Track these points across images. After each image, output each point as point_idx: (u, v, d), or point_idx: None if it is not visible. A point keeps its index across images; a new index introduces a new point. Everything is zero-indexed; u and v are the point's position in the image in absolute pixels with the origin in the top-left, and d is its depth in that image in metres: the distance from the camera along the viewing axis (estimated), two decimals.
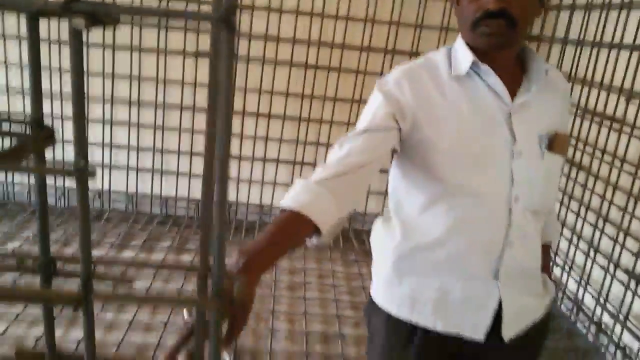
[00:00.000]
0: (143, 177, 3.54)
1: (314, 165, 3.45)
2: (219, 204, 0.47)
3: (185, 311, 0.71)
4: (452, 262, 1.02)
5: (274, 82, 3.35)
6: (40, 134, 0.50)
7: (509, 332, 1.03)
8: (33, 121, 0.51)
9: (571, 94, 2.71)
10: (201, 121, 3.43)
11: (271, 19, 3.24)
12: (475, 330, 1.02)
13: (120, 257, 3.07)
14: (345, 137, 0.99)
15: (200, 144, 3.48)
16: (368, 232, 3.64)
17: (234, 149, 3.50)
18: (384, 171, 1.11)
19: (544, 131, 1.01)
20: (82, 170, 0.43)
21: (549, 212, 1.13)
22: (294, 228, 0.84)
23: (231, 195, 3.57)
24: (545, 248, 1.16)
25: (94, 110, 3.40)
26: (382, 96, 0.99)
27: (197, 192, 3.55)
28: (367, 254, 3.33)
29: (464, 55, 1.00)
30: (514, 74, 1.02)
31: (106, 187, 3.51)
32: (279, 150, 3.50)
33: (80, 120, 0.45)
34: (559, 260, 2.87)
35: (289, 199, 0.86)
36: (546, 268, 1.15)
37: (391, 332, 1.08)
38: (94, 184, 3.48)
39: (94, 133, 3.45)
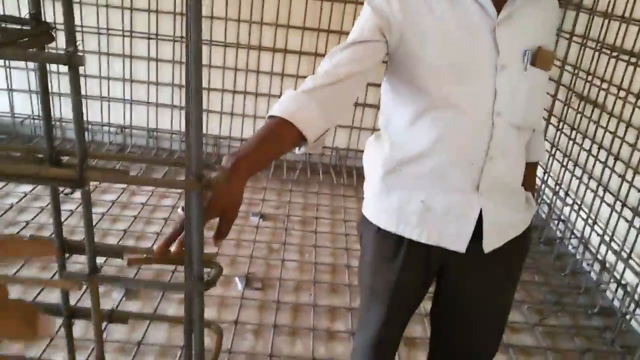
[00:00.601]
0: (163, 112, 3.60)
1: None
2: (195, 103, 0.51)
3: (180, 209, 0.77)
4: (435, 174, 1.05)
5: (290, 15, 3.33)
6: (38, 29, 0.54)
7: (489, 243, 1.08)
8: (32, 17, 0.55)
9: (589, 25, 2.66)
10: (218, 57, 3.45)
11: None
12: (457, 241, 1.07)
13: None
14: (333, 50, 1.01)
15: (217, 79, 3.51)
16: None
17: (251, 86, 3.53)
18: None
19: (528, 45, 1.01)
20: (72, 55, 0.47)
21: (534, 130, 1.15)
22: (280, 135, 0.87)
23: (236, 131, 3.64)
24: (531, 167, 1.19)
25: (114, 45, 3.44)
26: (371, 10, 1.01)
27: (214, 129, 3.61)
28: None
29: None
30: None
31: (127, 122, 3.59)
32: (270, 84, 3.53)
33: (69, 9, 0.49)
34: (568, 200, 2.89)
35: (276, 108, 0.89)
36: (531, 186, 1.18)
37: (380, 245, 1.13)
38: (117, 118, 3.57)
39: (114, 68, 3.50)
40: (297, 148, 0.92)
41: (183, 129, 3.54)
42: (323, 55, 1.08)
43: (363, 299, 1.23)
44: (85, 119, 2.66)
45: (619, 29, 2.48)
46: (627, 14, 2.42)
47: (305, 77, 1.01)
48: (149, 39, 3.41)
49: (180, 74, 3.47)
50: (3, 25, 0.55)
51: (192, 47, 0.48)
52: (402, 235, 1.10)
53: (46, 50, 0.52)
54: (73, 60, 0.47)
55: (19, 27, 0.56)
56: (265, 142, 0.84)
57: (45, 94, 0.56)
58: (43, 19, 0.54)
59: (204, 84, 3.49)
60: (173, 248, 0.66)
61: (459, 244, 1.07)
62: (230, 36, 3.40)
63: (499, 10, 0.99)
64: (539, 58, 1.01)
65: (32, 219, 2.67)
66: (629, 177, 2.37)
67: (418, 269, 1.13)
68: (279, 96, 0.93)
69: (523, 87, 1.02)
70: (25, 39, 0.53)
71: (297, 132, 0.87)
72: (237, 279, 2.35)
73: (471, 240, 1.06)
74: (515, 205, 1.12)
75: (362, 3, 3.14)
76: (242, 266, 2.48)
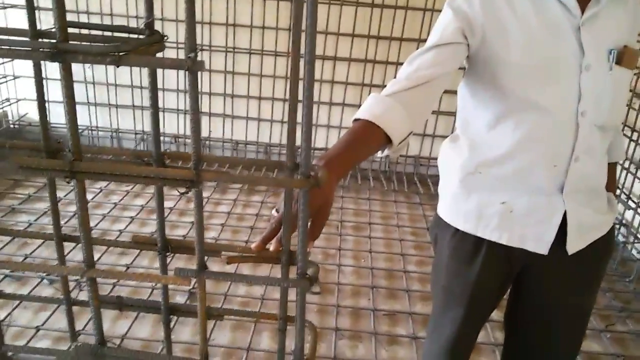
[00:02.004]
0: (214, 121, 3.69)
1: None
2: (306, 106, 0.53)
3: (274, 210, 0.79)
4: (518, 176, 1.04)
5: (340, 22, 3.35)
6: (153, 37, 0.58)
7: (573, 245, 1.06)
8: (147, 26, 0.58)
9: None
10: (269, 66, 3.50)
11: None
12: (540, 243, 1.05)
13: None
14: (414, 54, 1.02)
15: (267, 88, 3.57)
16: (432, 177, 3.66)
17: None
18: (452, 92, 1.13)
19: (613, 44, 0.99)
20: (193, 61, 0.49)
21: (615, 129, 1.12)
22: (367, 137, 0.88)
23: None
24: (612, 167, 1.16)
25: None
26: (452, 12, 1.01)
27: (265, 137, 3.67)
28: (430, 198, 3.36)
29: None
30: None
31: (181, 131, 3.69)
32: (345, 94, 3.53)
33: (191, 25, 0.52)
34: (631, 203, 2.79)
35: (361, 111, 0.91)
36: (611, 187, 1.15)
37: (458, 247, 1.12)
38: (171, 128, 3.67)
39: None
40: (380, 151, 0.93)
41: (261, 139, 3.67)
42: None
43: (438, 301, 1.22)
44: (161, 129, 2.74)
45: None
46: None
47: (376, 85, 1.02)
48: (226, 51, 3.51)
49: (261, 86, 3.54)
50: (121, 35, 0.58)
51: (306, 58, 0.50)
52: (482, 236, 1.09)
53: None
54: (194, 66, 0.49)
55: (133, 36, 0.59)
56: (353, 145, 0.85)
57: (155, 107, 0.59)
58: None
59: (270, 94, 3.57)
60: (272, 247, 0.68)
61: (542, 246, 1.05)
62: (281, 46, 3.45)
63: (582, 10, 0.98)
64: (624, 57, 0.99)
65: (136, 215, 2.94)
66: None
67: (497, 271, 1.11)
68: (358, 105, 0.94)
69: (608, 87, 0.99)
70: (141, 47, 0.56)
71: (383, 134, 0.88)
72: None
73: (554, 242, 1.05)
74: (598, 207, 1.10)
75: (416, 9, 3.21)
76: None
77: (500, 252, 1.08)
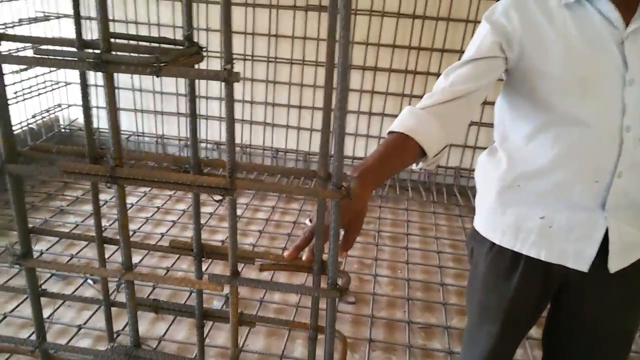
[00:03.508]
0: (255, 129, 3.74)
1: None
2: (339, 118, 0.53)
3: (307, 220, 0.79)
4: (557, 191, 1.02)
5: (381, 33, 3.35)
6: (192, 49, 0.59)
7: (615, 263, 1.02)
8: (186, 38, 0.60)
9: None
10: (309, 75, 3.53)
11: None
12: (580, 260, 1.02)
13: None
14: (450, 67, 1.01)
15: (308, 98, 3.60)
16: (473, 189, 3.59)
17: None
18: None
19: None
20: (229, 73, 0.51)
21: None
22: (401, 149, 0.88)
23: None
24: None
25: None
26: (490, 25, 1.00)
27: (304, 145, 3.70)
28: (470, 210, 3.30)
29: None
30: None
31: (223, 138, 3.75)
32: (384, 104, 3.53)
33: (228, 36, 0.53)
34: None
35: (396, 124, 0.91)
36: None
37: (494, 261, 1.10)
38: (213, 135, 3.75)
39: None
40: (415, 163, 0.93)
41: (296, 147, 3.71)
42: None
43: (473, 316, 1.19)
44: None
45: None
46: None
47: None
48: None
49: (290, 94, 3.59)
50: (163, 46, 0.60)
51: (339, 69, 0.50)
52: (520, 251, 1.06)
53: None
54: (230, 77, 0.51)
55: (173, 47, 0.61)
56: (388, 156, 0.85)
57: (193, 116, 0.61)
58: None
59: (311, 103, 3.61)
60: (304, 256, 0.68)
61: (582, 263, 1.02)
62: (309, 54, 3.47)
63: (627, 23, 0.95)
64: None
65: (177, 219, 3.01)
66: None
67: (535, 287, 1.09)
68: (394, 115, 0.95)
69: None
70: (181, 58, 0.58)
71: (417, 147, 0.88)
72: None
73: (595, 260, 1.02)
74: None
75: (458, 20, 3.19)
76: None
77: (539, 268, 1.06)
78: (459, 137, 0.99)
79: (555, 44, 0.96)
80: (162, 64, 0.52)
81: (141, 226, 2.90)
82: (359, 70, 3.47)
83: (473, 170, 3.50)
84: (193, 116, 0.61)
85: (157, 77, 0.53)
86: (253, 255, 0.70)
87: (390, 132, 0.91)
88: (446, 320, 2.25)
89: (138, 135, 3.83)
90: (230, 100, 0.53)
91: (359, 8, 3.32)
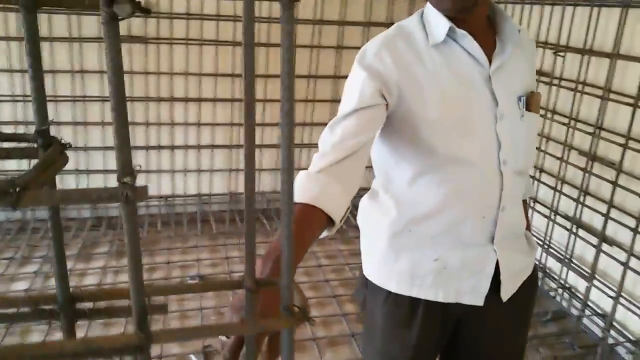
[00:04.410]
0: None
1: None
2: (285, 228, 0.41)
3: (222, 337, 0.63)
4: (448, 231, 1.01)
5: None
6: (54, 151, 0.42)
7: (507, 292, 1.05)
8: (40, 135, 0.42)
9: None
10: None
11: None
12: (475, 296, 1.03)
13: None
14: (334, 121, 0.94)
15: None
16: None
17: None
18: None
19: (521, 91, 1.01)
20: (129, 188, 0.35)
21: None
22: (309, 222, 0.80)
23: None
24: (524, 204, 1.18)
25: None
26: (366, 72, 0.95)
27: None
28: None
29: (438, 22, 0.96)
30: (487, 35, 1.01)
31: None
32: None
33: (123, 130, 0.37)
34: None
35: (297, 193, 0.81)
36: (527, 224, 1.17)
37: (392, 310, 1.07)
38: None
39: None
40: (326, 230, 0.83)
41: None
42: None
43: None
44: None
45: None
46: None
47: None
48: None
49: None
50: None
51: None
52: (418, 296, 1.04)
53: None
54: (133, 194, 0.35)
55: None
56: (298, 234, 0.74)
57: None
58: None
59: None
60: None
61: (477, 298, 1.04)
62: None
63: (489, 60, 0.98)
64: (532, 102, 1.02)
65: None
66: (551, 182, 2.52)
67: (435, 329, 1.08)
68: None
69: (522, 133, 1.01)
70: None
71: (324, 215, 0.80)
72: (192, 357, 2.14)
73: (487, 291, 1.04)
74: (523, 249, 1.11)
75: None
76: (195, 342, 2.26)
77: (437, 310, 1.05)
78: (355, 191, 0.92)
79: (429, 86, 0.95)
80: (19, 189, 0.34)
81: None
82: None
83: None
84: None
85: (15, 209, 0.35)
86: None
87: (293, 204, 0.79)
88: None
89: None
90: (133, 221, 0.36)
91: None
